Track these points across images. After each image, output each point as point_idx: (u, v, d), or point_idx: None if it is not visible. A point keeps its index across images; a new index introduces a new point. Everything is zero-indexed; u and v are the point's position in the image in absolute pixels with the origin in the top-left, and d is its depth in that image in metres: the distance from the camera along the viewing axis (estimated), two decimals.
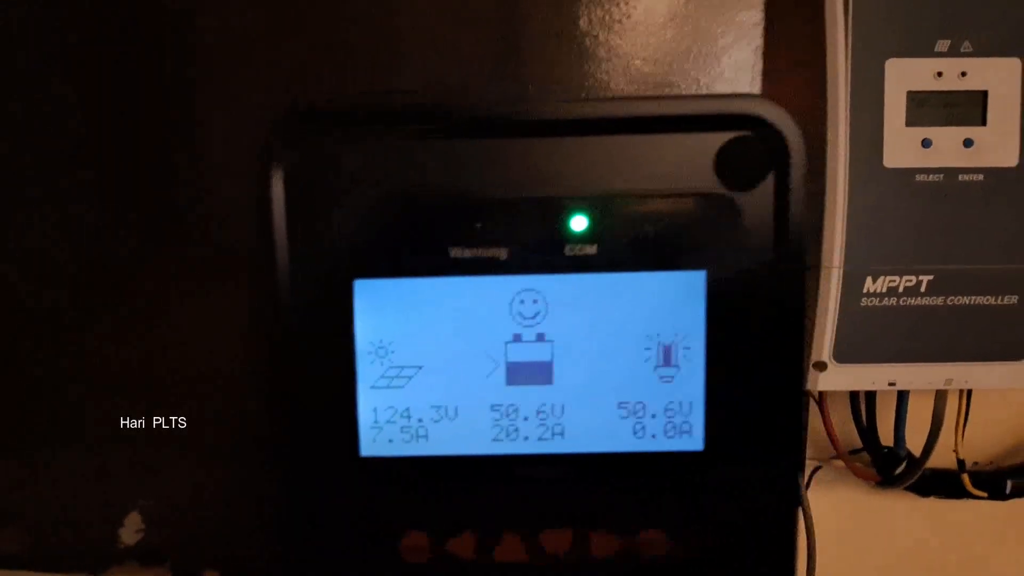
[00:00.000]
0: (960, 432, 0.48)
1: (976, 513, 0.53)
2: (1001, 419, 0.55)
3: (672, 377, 0.23)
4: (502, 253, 0.23)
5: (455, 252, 0.23)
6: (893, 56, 0.38)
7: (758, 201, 0.24)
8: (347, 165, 0.23)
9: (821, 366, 0.40)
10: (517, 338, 0.23)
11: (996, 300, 0.40)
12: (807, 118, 0.40)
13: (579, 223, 0.23)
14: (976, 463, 0.55)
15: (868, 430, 0.50)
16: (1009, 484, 0.50)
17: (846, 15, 0.38)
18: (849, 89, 0.38)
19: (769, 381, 0.24)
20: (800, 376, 0.25)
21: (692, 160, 0.23)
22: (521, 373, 0.23)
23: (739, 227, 0.23)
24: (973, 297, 0.39)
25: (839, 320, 0.40)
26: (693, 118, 0.23)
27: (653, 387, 0.23)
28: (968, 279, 0.39)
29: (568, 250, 0.23)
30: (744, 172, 0.23)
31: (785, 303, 0.24)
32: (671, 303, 0.23)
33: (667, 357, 0.23)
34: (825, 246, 0.39)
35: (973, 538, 0.55)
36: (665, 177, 0.23)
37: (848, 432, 0.51)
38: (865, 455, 0.51)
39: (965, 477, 0.49)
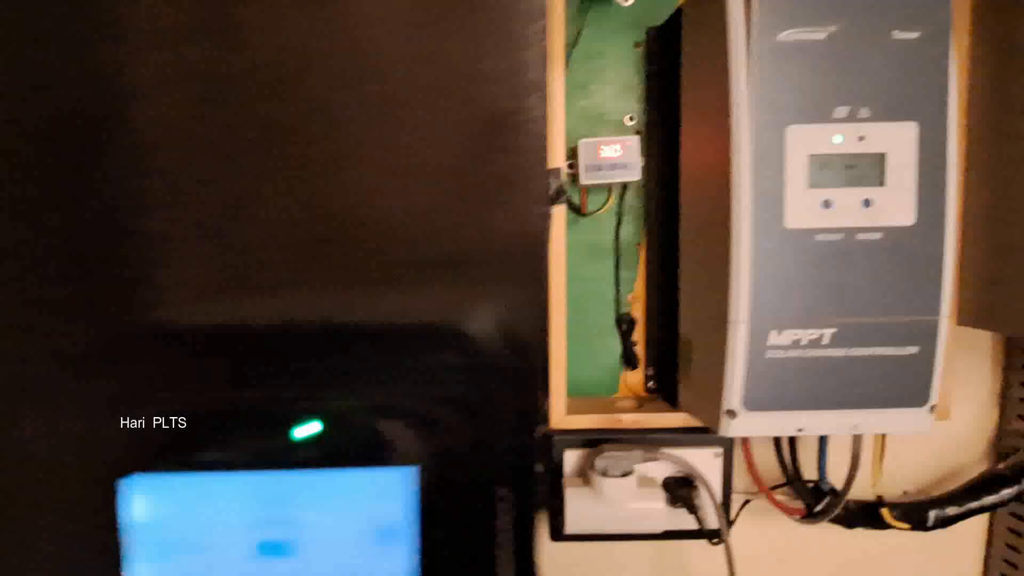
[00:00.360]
0: (878, 468, 0.50)
1: (899, 544, 0.56)
2: (928, 450, 0.57)
3: (392, 551, 0.27)
4: (249, 455, 0.26)
5: (208, 455, 0.27)
6: (794, 123, 0.40)
7: (461, 416, 0.27)
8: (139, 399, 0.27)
9: (731, 414, 0.42)
10: (264, 521, 0.27)
11: (897, 350, 0.42)
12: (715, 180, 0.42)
13: (311, 429, 0.26)
14: (906, 492, 0.57)
15: (791, 466, 0.52)
16: (932, 515, 0.53)
17: (748, 85, 0.40)
18: (752, 154, 0.40)
19: (466, 553, 0.28)
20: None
21: (408, 383, 0.27)
22: (269, 549, 0.27)
23: (445, 434, 0.27)
24: (875, 348, 0.42)
25: (747, 371, 0.42)
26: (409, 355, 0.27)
27: (376, 559, 0.27)
28: (870, 331, 0.41)
29: (303, 451, 0.26)
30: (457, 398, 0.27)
31: (484, 492, 0.28)
32: (389, 491, 0.26)
33: (389, 535, 0.27)
34: (732, 301, 0.41)
35: (896, 569, 0.57)
36: (385, 392, 0.27)
37: (775, 467, 0.53)
38: (791, 489, 0.53)
39: (884, 511, 0.51)
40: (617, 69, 0.54)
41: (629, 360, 0.55)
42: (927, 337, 0.41)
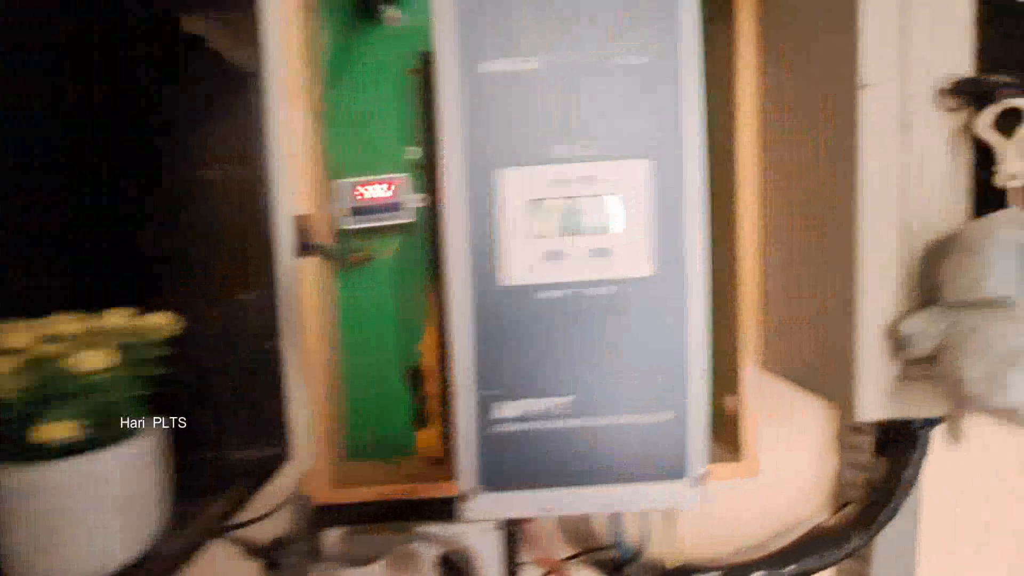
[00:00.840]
0: (672, 533, 0.45)
1: None
2: (766, 500, 0.52)
3: None
4: None
5: None
6: (508, 165, 0.35)
7: None
8: None
9: (466, 496, 0.37)
10: None
11: (647, 417, 0.37)
12: None
13: None
14: (754, 547, 0.52)
15: (585, 535, 0.47)
16: None
17: (455, 122, 0.35)
18: (463, 201, 0.35)
19: None
20: None
21: None
22: None
23: None
24: (620, 416, 0.36)
25: (481, 447, 0.37)
26: None
27: None
28: (612, 398, 0.36)
29: None
30: None
31: None
32: None
33: None
34: (452, 369, 0.36)
35: None
36: None
37: (568, 533, 0.48)
38: (597, 555, 0.48)
39: None
40: (396, 97, 0.49)
41: (421, 417, 0.50)
42: (678, 402, 0.36)
